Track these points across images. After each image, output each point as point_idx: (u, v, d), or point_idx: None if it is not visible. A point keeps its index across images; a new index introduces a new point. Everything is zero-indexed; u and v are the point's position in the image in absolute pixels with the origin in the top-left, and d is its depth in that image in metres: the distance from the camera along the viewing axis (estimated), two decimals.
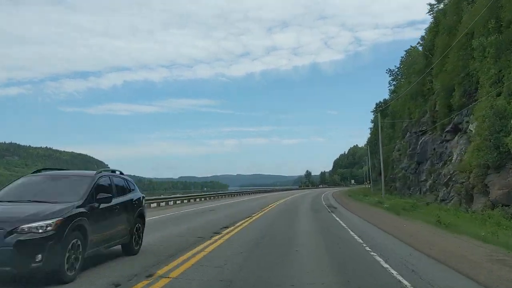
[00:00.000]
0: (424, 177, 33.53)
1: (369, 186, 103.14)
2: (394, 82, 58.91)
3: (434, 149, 31.59)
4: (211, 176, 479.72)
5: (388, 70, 59.22)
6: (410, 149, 40.23)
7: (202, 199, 38.09)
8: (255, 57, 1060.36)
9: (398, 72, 56.40)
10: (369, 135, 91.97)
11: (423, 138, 35.15)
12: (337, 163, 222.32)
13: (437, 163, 30.23)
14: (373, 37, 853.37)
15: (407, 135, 42.38)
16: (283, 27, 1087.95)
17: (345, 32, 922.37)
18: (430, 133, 33.57)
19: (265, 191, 68.73)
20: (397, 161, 46.57)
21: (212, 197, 41.72)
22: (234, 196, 49.36)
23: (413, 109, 40.46)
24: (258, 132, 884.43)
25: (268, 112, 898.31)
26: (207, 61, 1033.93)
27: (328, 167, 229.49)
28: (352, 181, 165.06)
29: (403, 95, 42.89)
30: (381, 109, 54.83)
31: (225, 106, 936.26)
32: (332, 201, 35.96)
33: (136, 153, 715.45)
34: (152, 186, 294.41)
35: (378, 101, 67.87)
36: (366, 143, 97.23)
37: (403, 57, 53.70)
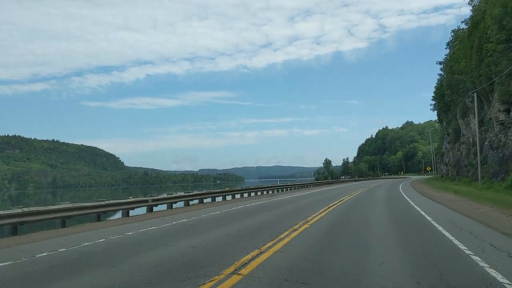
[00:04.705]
0: None
1: (433, 176, 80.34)
2: None
3: None
4: (231, 169, 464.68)
5: None
6: None
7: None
8: (277, 48, 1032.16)
9: None
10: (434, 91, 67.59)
11: None
12: (363, 149, 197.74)
13: None
14: (398, 23, 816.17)
15: None
16: (306, 16, 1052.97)
17: (369, 19, 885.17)
18: None
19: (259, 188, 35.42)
20: None
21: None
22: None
23: None
24: (278, 123, 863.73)
25: (289, 103, 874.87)
26: (228, 53, 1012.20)
27: (350, 157, 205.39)
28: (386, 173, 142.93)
29: None
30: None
31: (245, 97, 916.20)
32: None
33: (155, 146, 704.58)
34: (160, 179, 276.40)
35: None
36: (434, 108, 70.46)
37: None
